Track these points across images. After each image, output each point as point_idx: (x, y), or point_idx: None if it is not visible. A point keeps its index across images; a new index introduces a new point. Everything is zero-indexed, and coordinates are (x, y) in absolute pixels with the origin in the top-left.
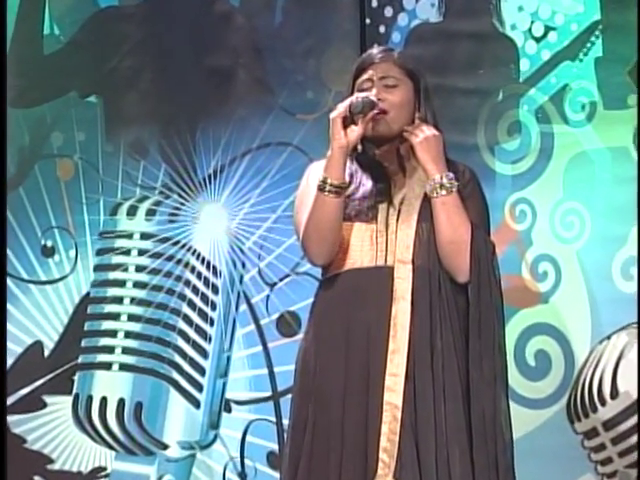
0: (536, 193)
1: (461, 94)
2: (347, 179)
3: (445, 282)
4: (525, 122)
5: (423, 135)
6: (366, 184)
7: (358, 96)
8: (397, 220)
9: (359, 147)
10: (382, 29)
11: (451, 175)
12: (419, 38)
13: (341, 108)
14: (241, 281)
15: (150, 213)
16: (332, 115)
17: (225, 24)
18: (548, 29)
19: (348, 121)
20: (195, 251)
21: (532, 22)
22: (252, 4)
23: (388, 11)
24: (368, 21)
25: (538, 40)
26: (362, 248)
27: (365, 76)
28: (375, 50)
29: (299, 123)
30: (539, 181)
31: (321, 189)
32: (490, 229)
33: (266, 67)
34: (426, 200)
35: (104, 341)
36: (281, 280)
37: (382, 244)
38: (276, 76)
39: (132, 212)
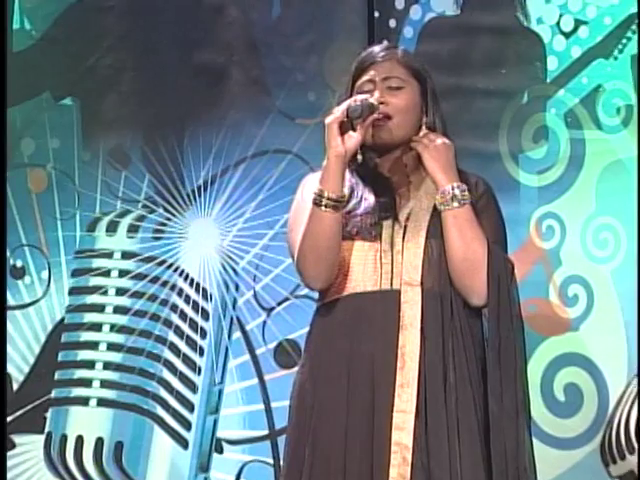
0: (565, 207)
1: (481, 96)
2: (347, 193)
3: (458, 306)
4: (553, 127)
5: (431, 143)
6: (368, 198)
7: (356, 98)
8: (403, 238)
9: (359, 157)
10: (392, 23)
11: (463, 186)
12: (434, 33)
13: (337, 112)
14: (234, 305)
15: (132, 229)
16: (327, 120)
17: (216, 17)
18: (579, 23)
19: (346, 127)
20: (183, 272)
21: (561, 15)
22: None
23: (399, 3)
24: (377, 14)
25: (567, 35)
26: (364, 270)
27: (366, 77)
28: (377, 48)
29: (299, 128)
30: (569, 193)
31: (317, 203)
32: (507, 247)
33: (262, 65)
34: (435, 215)
35: (80, 373)
36: (279, 304)
37: (387, 265)
38: (274, 75)
39: (112, 228)
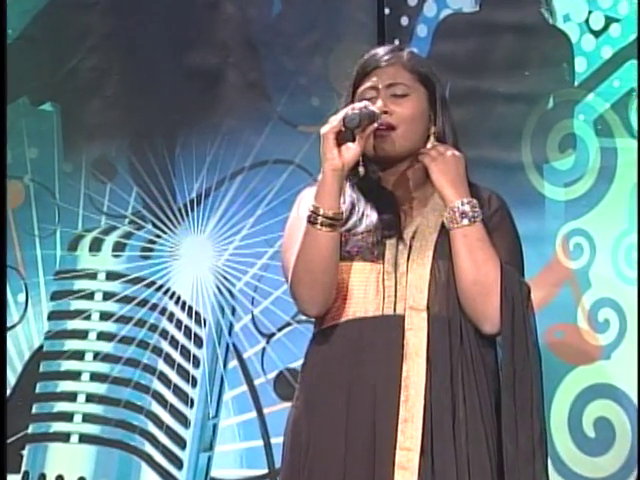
0: (595, 223)
1: (502, 101)
2: (347, 208)
3: (469, 333)
4: (581, 135)
5: (439, 155)
6: (370, 215)
7: (354, 106)
8: (408, 258)
9: (361, 170)
10: (404, 21)
11: (474, 202)
12: (450, 32)
13: (334, 122)
14: (230, 331)
15: (118, 248)
16: (323, 130)
17: (211, 14)
18: (610, 21)
19: (344, 137)
20: (174, 294)
21: (590, 12)
22: None
23: None
24: (387, 11)
25: (597, 34)
26: (366, 293)
27: (368, 83)
28: (381, 50)
29: (302, 136)
30: (598, 208)
31: (312, 221)
32: (524, 269)
33: (261, 67)
34: (444, 233)
35: (60, 406)
36: (280, 330)
37: (390, 288)
38: (274, 79)
39: (96, 246)
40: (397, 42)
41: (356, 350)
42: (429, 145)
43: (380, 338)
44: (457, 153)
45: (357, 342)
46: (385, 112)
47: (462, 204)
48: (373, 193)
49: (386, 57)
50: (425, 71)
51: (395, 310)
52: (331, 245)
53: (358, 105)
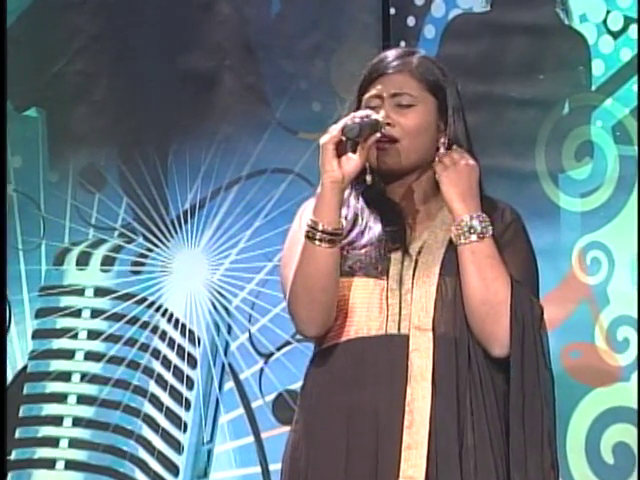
0: (613, 236)
1: (515, 106)
2: (350, 219)
3: (477, 354)
4: (599, 142)
5: (452, 164)
6: (374, 227)
7: (355, 115)
8: (413, 275)
9: (368, 178)
10: (411, 21)
11: (484, 216)
12: (460, 33)
13: (334, 131)
14: (226, 351)
15: (107, 262)
16: (322, 140)
17: (206, 15)
18: (629, 21)
19: (345, 148)
20: (166, 311)
21: (608, 12)
22: None
23: None
24: (393, 11)
25: (616, 35)
26: (369, 311)
27: (373, 91)
28: (390, 55)
29: (302, 144)
30: (617, 220)
31: (310, 237)
32: (538, 288)
33: (259, 71)
34: (452, 249)
35: (46, 431)
36: (278, 349)
37: (394, 306)
38: (273, 82)
39: (84, 261)
40: (403, 44)
41: (358, 371)
42: (441, 151)
43: (383, 359)
44: (471, 162)
45: (359, 363)
46: (388, 124)
47: (471, 219)
48: (378, 204)
49: (394, 64)
50: (435, 79)
51: (399, 329)
52: (330, 262)
53: (359, 114)
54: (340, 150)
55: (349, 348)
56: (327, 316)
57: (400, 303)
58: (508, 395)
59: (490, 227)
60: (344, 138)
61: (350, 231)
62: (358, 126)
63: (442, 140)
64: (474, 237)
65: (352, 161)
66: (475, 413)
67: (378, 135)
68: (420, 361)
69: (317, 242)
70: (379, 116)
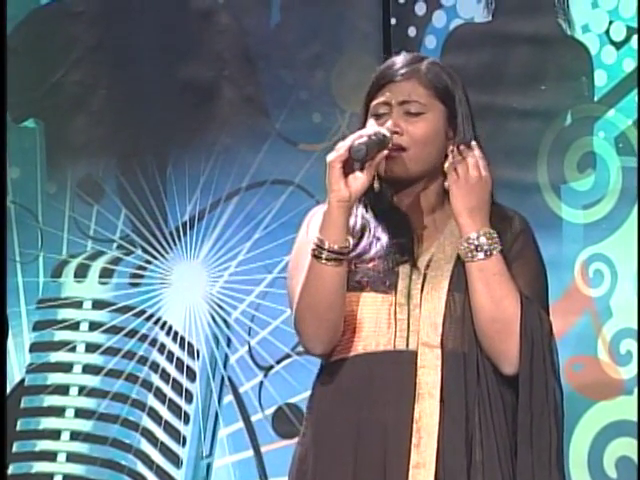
0: (616, 248)
1: (517, 117)
2: (357, 230)
3: (486, 371)
4: (601, 154)
5: (464, 175)
6: (381, 239)
7: (362, 134)
8: (422, 289)
9: (376, 186)
10: (412, 32)
11: (492, 233)
12: (461, 43)
13: (341, 149)
14: (225, 364)
15: (105, 274)
16: (329, 158)
17: (205, 25)
18: (632, 31)
19: (352, 165)
20: (165, 324)
21: (610, 22)
22: None
23: (420, 8)
24: (394, 21)
25: (618, 46)
26: (377, 326)
27: (381, 98)
28: (399, 61)
29: (302, 155)
30: (620, 232)
31: (317, 256)
32: (548, 302)
33: (259, 81)
34: (460, 263)
35: (43, 445)
36: (278, 362)
37: (403, 321)
38: (272, 93)
39: (82, 273)
40: (410, 53)
41: (366, 388)
42: (450, 159)
43: (391, 375)
44: (484, 173)
45: (367, 379)
46: (395, 132)
47: (478, 237)
48: (386, 214)
49: (402, 71)
50: (444, 86)
51: (408, 345)
52: (337, 280)
53: (366, 131)
54: (347, 168)
55: (357, 363)
56: (334, 333)
57: (409, 318)
58: (513, 403)
59: (498, 245)
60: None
61: (357, 243)
62: (365, 147)
63: (451, 148)
64: (481, 255)
65: (359, 179)
66: (484, 430)
67: (386, 152)
68: (428, 378)
69: (323, 261)
70: (386, 131)
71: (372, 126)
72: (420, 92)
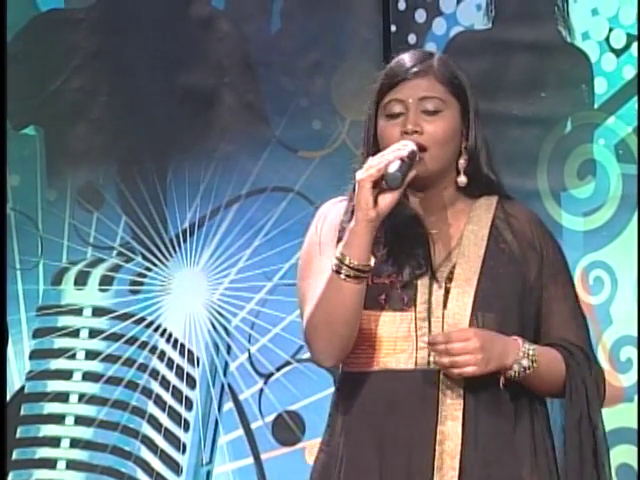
0: (616, 255)
1: (517, 124)
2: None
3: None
4: (601, 161)
5: (465, 358)
6: (398, 250)
7: (396, 155)
8: (444, 303)
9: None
10: (412, 39)
11: (524, 362)
12: (461, 51)
13: (373, 169)
14: (225, 371)
15: (105, 281)
16: (360, 176)
17: (205, 32)
18: (631, 39)
19: (381, 183)
20: (165, 331)
21: (610, 30)
22: (241, 6)
23: (420, 15)
24: (394, 28)
25: (618, 53)
26: (396, 345)
27: (396, 96)
28: (408, 59)
29: (302, 162)
30: (620, 239)
31: (337, 271)
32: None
33: (259, 88)
34: (484, 279)
35: (43, 452)
36: (278, 370)
37: (424, 338)
38: (272, 100)
39: (82, 280)
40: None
41: (389, 406)
42: (461, 161)
43: (414, 395)
44: (481, 333)
45: (389, 397)
46: (415, 132)
47: (514, 374)
48: (400, 220)
49: (416, 68)
50: (458, 82)
51: (429, 363)
52: (356, 298)
53: (399, 152)
54: (376, 186)
55: (379, 379)
56: (346, 347)
57: (429, 335)
58: (544, 431)
59: (534, 364)
60: (384, 185)
61: (373, 254)
62: (401, 175)
63: (464, 144)
64: (530, 371)
65: (388, 199)
66: (506, 452)
67: (415, 172)
68: (450, 400)
69: (343, 277)
70: (414, 144)
71: (400, 149)
72: (437, 88)
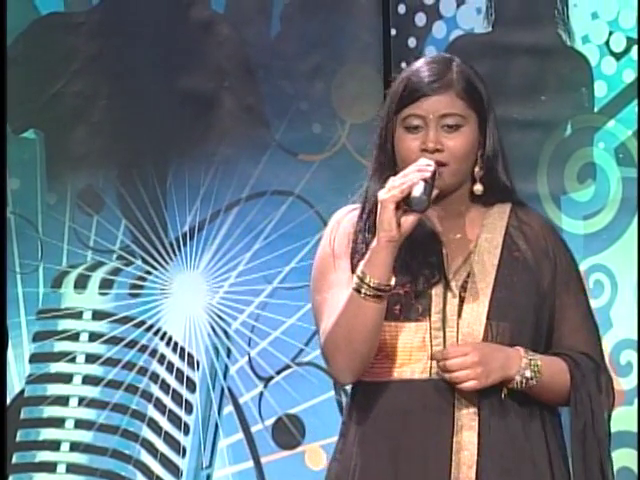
0: (616, 258)
1: (517, 127)
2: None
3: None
4: (601, 164)
5: (464, 373)
6: (411, 260)
7: (420, 177)
8: (459, 312)
9: None
10: (412, 42)
11: (527, 373)
12: (461, 54)
13: (396, 190)
14: (225, 375)
15: (105, 285)
16: (382, 196)
17: (205, 36)
18: (631, 42)
19: (402, 205)
20: (165, 335)
21: (610, 33)
22: (241, 10)
23: (420, 19)
24: (394, 32)
25: (618, 57)
26: (411, 355)
27: (415, 111)
28: (427, 71)
29: (302, 166)
30: (620, 242)
31: (357, 289)
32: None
33: (259, 92)
34: (499, 288)
35: (43, 455)
36: (278, 373)
37: (439, 347)
38: (272, 104)
39: (82, 283)
40: (404, 65)
41: (404, 416)
42: (477, 170)
43: (429, 405)
44: (481, 347)
45: (405, 407)
46: (437, 150)
47: (522, 383)
48: (414, 230)
49: (436, 84)
50: (478, 94)
51: None
52: (376, 316)
53: (419, 174)
54: (398, 206)
55: (395, 390)
56: (365, 364)
57: (444, 344)
58: (560, 441)
59: (538, 375)
60: (405, 205)
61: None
62: (427, 199)
63: (480, 153)
64: (533, 382)
65: (410, 219)
66: (522, 461)
67: (437, 192)
68: (466, 410)
69: (363, 296)
70: (434, 164)
71: (420, 161)
72: (457, 104)
